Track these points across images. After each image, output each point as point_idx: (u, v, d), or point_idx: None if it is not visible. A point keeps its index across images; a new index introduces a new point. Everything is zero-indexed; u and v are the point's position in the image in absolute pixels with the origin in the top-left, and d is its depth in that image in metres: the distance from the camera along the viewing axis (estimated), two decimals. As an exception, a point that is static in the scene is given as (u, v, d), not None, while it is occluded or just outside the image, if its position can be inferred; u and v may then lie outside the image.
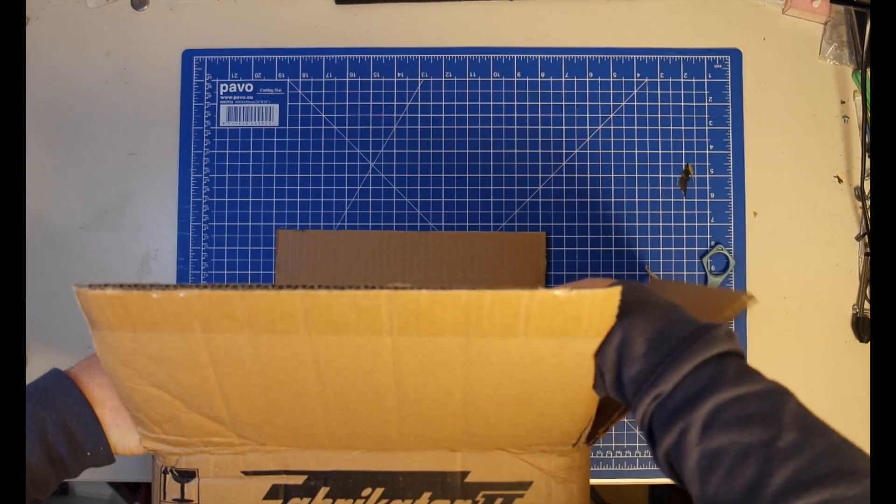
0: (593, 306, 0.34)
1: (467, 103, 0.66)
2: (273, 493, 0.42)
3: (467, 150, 0.66)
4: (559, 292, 0.33)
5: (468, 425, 0.39)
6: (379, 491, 0.42)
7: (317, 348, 0.35)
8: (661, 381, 0.35)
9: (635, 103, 0.66)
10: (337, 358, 0.35)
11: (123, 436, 0.42)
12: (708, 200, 0.66)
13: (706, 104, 0.66)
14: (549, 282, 0.65)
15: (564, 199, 0.66)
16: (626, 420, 0.64)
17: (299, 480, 0.42)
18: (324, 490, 0.42)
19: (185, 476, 0.42)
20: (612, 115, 0.66)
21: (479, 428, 0.40)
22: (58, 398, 0.40)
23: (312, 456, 0.42)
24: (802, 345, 0.65)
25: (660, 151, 0.66)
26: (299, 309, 0.33)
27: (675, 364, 0.34)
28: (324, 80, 0.66)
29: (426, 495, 0.42)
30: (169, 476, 0.42)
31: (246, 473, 0.42)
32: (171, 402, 0.38)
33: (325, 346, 0.35)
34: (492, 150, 0.66)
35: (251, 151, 0.66)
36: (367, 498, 0.42)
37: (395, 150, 0.66)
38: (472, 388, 0.37)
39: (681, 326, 0.36)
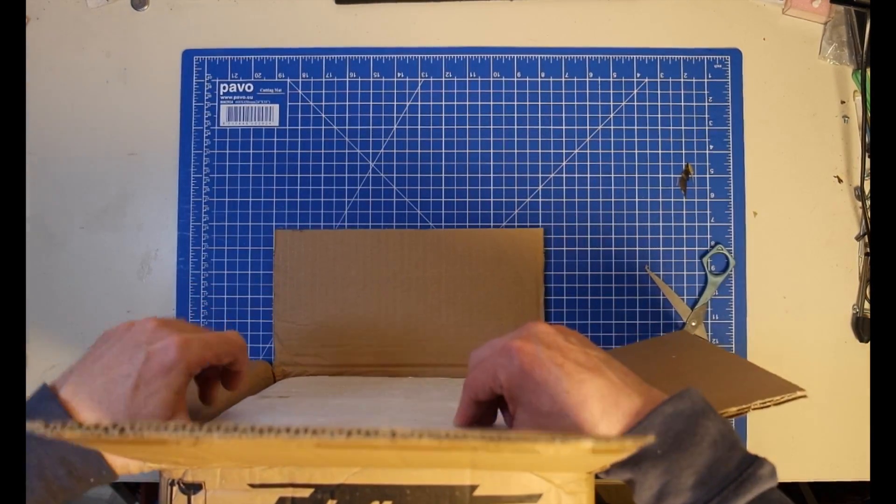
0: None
1: (467, 103, 0.66)
2: None
3: (467, 150, 0.66)
4: (587, 444, 0.29)
5: (476, 466, 0.41)
6: None
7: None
8: None
9: (635, 103, 0.66)
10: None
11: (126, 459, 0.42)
12: (708, 200, 0.66)
13: (706, 104, 0.66)
14: (548, 281, 0.65)
15: (564, 199, 0.66)
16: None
17: (306, 493, 0.42)
18: (331, 503, 0.42)
19: (192, 488, 0.42)
20: (612, 115, 0.66)
21: (487, 467, 0.41)
22: None
23: (319, 469, 0.42)
24: (802, 345, 0.65)
25: (660, 151, 0.66)
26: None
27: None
28: (324, 80, 0.66)
29: None
30: (175, 488, 0.42)
31: (252, 486, 0.42)
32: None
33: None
34: (492, 150, 0.66)
35: (251, 151, 0.66)
36: None
37: (395, 150, 0.66)
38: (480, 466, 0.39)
39: (729, 460, 0.37)
